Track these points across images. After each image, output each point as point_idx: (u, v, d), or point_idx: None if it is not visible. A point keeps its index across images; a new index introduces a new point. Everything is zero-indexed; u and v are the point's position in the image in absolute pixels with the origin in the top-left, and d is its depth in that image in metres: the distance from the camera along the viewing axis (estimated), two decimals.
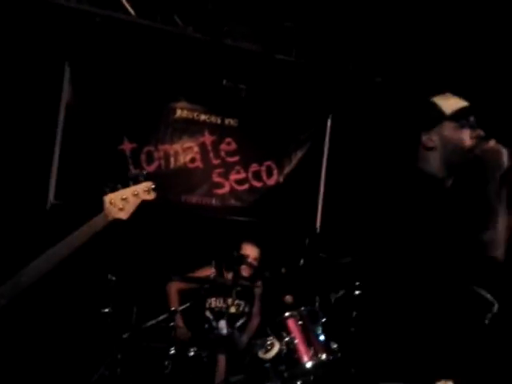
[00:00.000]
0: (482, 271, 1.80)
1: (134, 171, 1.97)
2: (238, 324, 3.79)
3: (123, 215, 1.88)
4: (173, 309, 3.23)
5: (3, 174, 4.02)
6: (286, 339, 3.00)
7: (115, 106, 4.50)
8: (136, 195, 1.91)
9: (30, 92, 4.16)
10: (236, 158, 4.92)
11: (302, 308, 3.15)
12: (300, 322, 3.08)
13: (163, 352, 3.30)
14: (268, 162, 5.01)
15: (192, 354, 3.32)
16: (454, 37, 4.41)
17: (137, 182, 1.92)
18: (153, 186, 1.94)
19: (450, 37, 4.42)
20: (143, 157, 4.61)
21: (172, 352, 3.30)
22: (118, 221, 1.89)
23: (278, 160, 5.05)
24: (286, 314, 3.11)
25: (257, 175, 4.97)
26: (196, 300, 3.57)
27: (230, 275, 3.70)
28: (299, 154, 5.12)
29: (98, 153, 4.42)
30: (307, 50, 4.82)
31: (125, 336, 3.13)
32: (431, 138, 1.86)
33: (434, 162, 1.86)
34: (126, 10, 4.26)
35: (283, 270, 3.52)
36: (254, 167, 4.96)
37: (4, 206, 3.91)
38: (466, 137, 1.80)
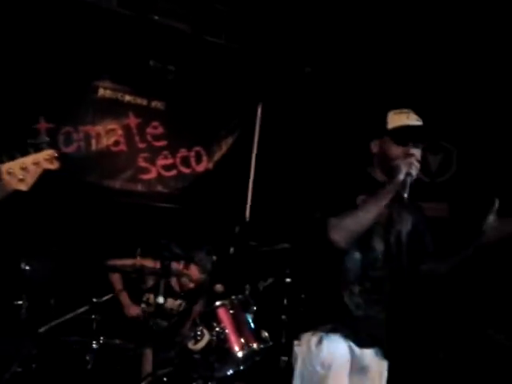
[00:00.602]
0: None
1: (37, 138, 1.78)
2: (176, 308, 3.65)
3: (23, 186, 1.71)
4: (94, 300, 3.01)
5: None
6: (217, 329, 2.92)
7: (31, 81, 4.12)
8: (37, 164, 1.73)
9: None
10: (163, 143, 4.71)
11: (233, 297, 3.07)
12: (231, 312, 3.01)
13: (84, 346, 3.08)
14: (197, 148, 4.85)
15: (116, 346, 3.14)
16: (384, 27, 4.48)
17: (37, 149, 1.74)
18: (56, 155, 1.76)
19: (379, 27, 4.49)
20: (61, 138, 4.27)
21: (94, 346, 3.09)
22: (18, 192, 1.69)
23: (207, 146, 4.90)
24: (217, 303, 3.02)
25: (185, 161, 4.80)
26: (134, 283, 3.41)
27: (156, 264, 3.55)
28: (229, 141, 5.01)
29: (9, 132, 4.03)
30: (237, 35, 4.70)
31: (41, 330, 2.87)
32: (375, 146, 2.11)
33: (376, 166, 2.12)
34: None
35: (214, 258, 3.40)
36: (182, 152, 4.78)
37: None
38: (397, 152, 2.02)
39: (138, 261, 3.32)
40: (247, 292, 3.44)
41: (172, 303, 3.65)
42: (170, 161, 4.75)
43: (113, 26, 4.25)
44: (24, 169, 1.73)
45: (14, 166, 1.71)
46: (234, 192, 4.96)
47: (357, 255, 2.01)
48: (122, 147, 4.55)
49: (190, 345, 2.88)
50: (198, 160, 4.88)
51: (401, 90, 4.58)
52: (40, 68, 4.16)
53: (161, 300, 2.93)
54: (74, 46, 4.22)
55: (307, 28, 4.67)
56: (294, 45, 4.86)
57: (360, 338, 2.01)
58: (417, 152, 2.02)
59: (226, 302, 3.02)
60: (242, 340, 2.93)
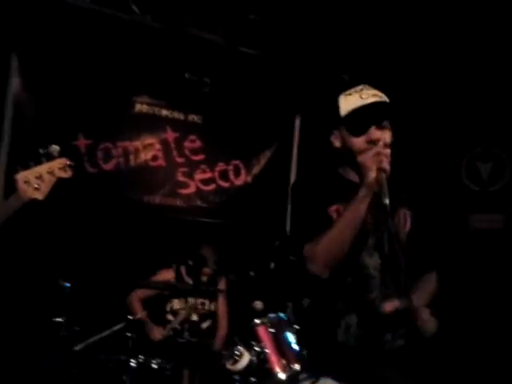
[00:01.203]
0: None
1: (49, 147, 1.76)
2: (205, 325, 3.53)
3: (39, 195, 1.69)
4: (130, 317, 2.95)
5: None
6: (257, 349, 2.77)
7: (69, 99, 4.17)
8: (51, 173, 1.70)
9: None
10: (201, 157, 4.65)
11: (273, 315, 2.92)
12: (271, 330, 2.86)
13: (122, 365, 3.01)
14: (235, 161, 4.77)
15: (155, 366, 3.04)
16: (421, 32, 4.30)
17: (50, 158, 1.70)
18: (68, 163, 1.72)
19: (417, 33, 4.31)
20: (100, 154, 4.29)
21: (133, 365, 3.01)
22: (34, 201, 1.65)
23: (245, 159, 4.81)
24: (256, 321, 2.88)
25: (224, 175, 4.72)
26: (157, 305, 3.32)
27: (190, 278, 3.49)
28: (268, 154, 4.90)
29: (43, 148, 4.06)
30: (272, 45, 4.61)
31: (78, 348, 2.82)
32: (336, 138, 1.77)
33: (346, 165, 1.78)
34: None
35: (252, 274, 3.28)
36: (220, 166, 4.71)
37: None
38: (361, 145, 1.66)
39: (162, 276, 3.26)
40: (289, 310, 3.30)
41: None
42: (208, 175, 4.69)
43: (147, 40, 4.24)
44: (39, 178, 1.73)
45: (29, 175, 1.71)
46: (274, 205, 4.83)
47: (346, 279, 1.65)
48: (161, 162, 4.53)
49: (229, 365, 2.74)
50: (237, 174, 4.79)
51: (444, 92, 4.38)
52: (78, 85, 4.20)
53: (195, 318, 2.83)
54: (111, 63, 4.25)
55: (344, 35, 4.53)
56: (331, 53, 4.72)
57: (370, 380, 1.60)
58: (383, 134, 1.64)
59: (266, 319, 2.88)
60: (284, 361, 2.77)
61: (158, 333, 3.42)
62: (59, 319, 3.09)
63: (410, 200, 1.82)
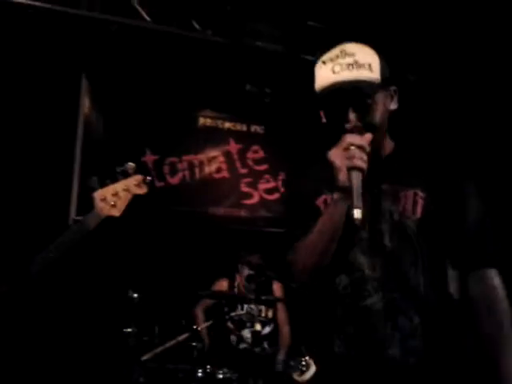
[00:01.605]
0: None
1: (125, 165, 1.80)
2: (265, 332, 3.48)
3: (116, 212, 1.71)
4: (195, 327, 2.96)
5: (24, 189, 3.88)
6: None
7: (136, 117, 4.34)
8: (127, 190, 1.73)
9: (47, 106, 4.03)
10: (264, 167, 4.65)
11: None
12: None
13: (189, 375, 3.02)
14: None
15: (221, 376, 3.02)
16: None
17: (126, 175, 1.73)
18: (144, 179, 1.75)
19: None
20: (166, 168, 4.41)
21: (199, 375, 3.01)
22: (110, 218, 1.67)
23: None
24: None
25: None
26: (217, 315, 3.33)
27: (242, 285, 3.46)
28: None
29: (119, 165, 4.23)
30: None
31: (145, 358, 2.87)
32: (322, 114, 1.49)
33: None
34: (142, 16, 4.09)
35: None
36: (283, 175, 4.68)
37: (26, 222, 3.77)
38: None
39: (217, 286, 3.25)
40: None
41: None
42: (271, 184, 4.67)
43: (208, 55, 4.32)
44: (115, 195, 1.78)
45: (105, 192, 1.76)
46: None
47: (342, 282, 1.39)
48: (225, 174, 4.57)
49: (296, 376, 2.68)
50: None
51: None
52: (143, 103, 4.36)
53: (258, 327, 2.79)
54: (174, 79, 4.37)
55: (404, 37, 4.39)
56: (395, 53, 4.58)
57: None
58: (352, 116, 1.34)
59: None
60: None
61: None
62: (129, 329, 3.16)
63: (425, 177, 1.41)
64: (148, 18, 4.11)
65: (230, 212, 4.57)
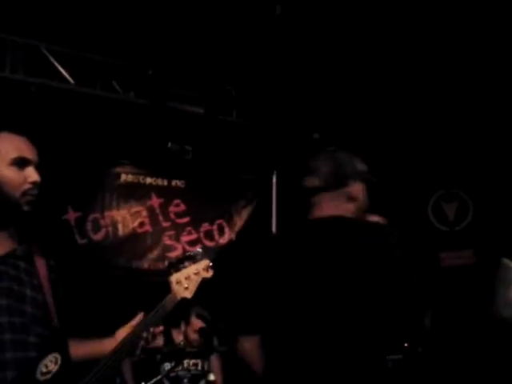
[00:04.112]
0: None
1: (191, 251, 2.08)
2: None
3: (188, 294, 1.92)
4: None
5: None
6: None
7: (57, 175, 4.33)
8: (197, 274, 1.95)
9: None
10: (186, 219, 4.87)
11: None
12: None
13: None
14: (219, 221, 5.00)
15: None
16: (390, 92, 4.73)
17: (195, 260, 1.95)
18: (211, 264, 1.98)
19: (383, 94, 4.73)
20: (89, 225, 4.45)
21: None
22: (184, 299, 1.89)
23: (228, 217, 5.06)
24: None
25: (209, 234, 4.93)
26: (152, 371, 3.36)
27: (179, 338, 3.57)
28: (249, 210, 5.16)
29: (41, 225, 4.20)
30: (247, 110, 4.96)
31: None
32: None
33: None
34: (64, 78, 4.20)
35: None
36: (205, 227, 4.93)
37: None
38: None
39: None
40: None
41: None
42: (194, 236, 4.89)
43: (131, 115, 4.51)
44: (187, 278, 1.91)
45: (180, 276, 1.90)
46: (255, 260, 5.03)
47: None
48: (148, 228, 4.71)
49: None
50: (221, 232, 5.01)
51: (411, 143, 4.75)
52: (65, 162, 4.40)
53: (212, 377, 2.93)
54: (96, 138, 4.48)
55: (312, 96, 4.93)
56: (301, 114, 5.11)
57: None
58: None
59: None
60: None
61: None
62: None
63: None
64: (71, 80, 4.23)
65: (155, 265, 4.69)
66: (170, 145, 4.67)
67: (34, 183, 1.69)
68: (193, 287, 1.91)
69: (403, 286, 1.72)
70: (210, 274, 1.95)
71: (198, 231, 4.90)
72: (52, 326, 1.60)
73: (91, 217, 4.48)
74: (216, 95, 4.66)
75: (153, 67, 4.46)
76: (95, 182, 4.56)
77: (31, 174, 1.70)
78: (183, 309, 3.68)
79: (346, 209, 1.87)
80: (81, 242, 4.41)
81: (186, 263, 1.91)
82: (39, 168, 4.28)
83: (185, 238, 4.84)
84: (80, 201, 4.45)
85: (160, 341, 3.47)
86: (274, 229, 5.26)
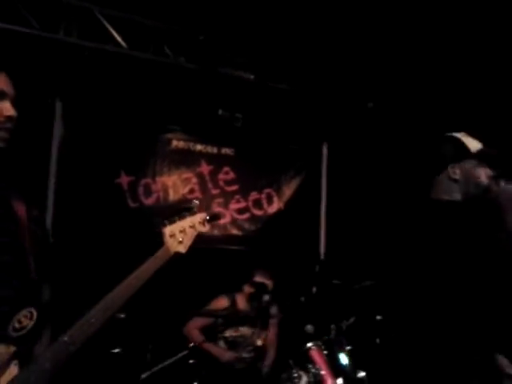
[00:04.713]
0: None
1: (192, 203, 1.87)
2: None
3: (182, 248, 1.77)
4: (191, 344, 3.05)
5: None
6: (313, 370, 2.90)
7: (110, 140, 4.40)
8: (192, 227, 1.81)
9: (21, 130, 4.00)
10: (235, 187, 4.84)
11: (326, 337, 3.05)
12: (325, 352, 2.98)
13: None
14: (268, 190, 4.95)
15: None
16: (446, 62, 4.49)
17: (192, 213, 1.82)
18: (207, 218, 1.85)
19: (442, 62, 4.50)
20: (141, 189, 4.49)
21: None
22: (177, 254, 1.75)
23: (277, 187, 5.00)
24: (310, 344, 3.01)
25: (257, 203, 4.90)
26: (210, 334, 3.39)
27: (243, 302, 3.56)
28: (298, 180, 5.09)
29: (94, 188, 4.29)
30: (299, 78, 4.84)
31: (144, 376, 2.94)
32: (455, 171, 2.05)
33: (455, 193, 2.05)
34: (117, 42, 4.20)
35: (302, 299, 3.40)
36: (253, 195, 4.89)
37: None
38: (483, 174, 2.01)
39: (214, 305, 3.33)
40: (333, 332, 3.39)
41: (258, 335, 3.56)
42: (242, 204, 4.86)
43: (182, 81, 4.48)
44: (182, 231, 1.80)
45: (174, 229, 1.78)
46: (307, 230, 4.98)
47: None
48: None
49: None
50: (269, 201, 4.97)
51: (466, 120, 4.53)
52: (118, 127, 4.44)
53: (259, 343, 2.94)
54: (148, 104, 4.48)
55: (367, 64, 4.74)
56: (355, 82, 4.94)
57: None
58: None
59: (319, 342, 3.00)
60: (340, 381, 2.89)
61: (229, 356, 3.36)
62: (116, 350, 3.21)
63: None
64: (124, 44, 4.23)
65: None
66: (220, 112, 4.62)
67: (9, 117, 1.52)
68: (188, 241, 1.78)
69: None
70: (206, 227, 1.83)
71: (246, 199, 4.87)
72: (29, 278, 1.46)
73: (143, 181, 4.52)
74: (268, 61, 4.55)
75: (204, 32, 4.39)
76: (147, 148, 4.58)
77: (7, 108, 1.53)
78: (247, 272, 3.67)
79: None
80: (132, 205, 4.46)
81: (182, 215, 1.79)
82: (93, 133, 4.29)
83: (233, 206, 4.83)
84: (133, 165, 4.49)
85: (224, 303, 3.49)
86: (323, 201, 5.18)
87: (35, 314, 1.40)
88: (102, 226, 4.29)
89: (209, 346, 3.37)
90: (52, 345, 1.43)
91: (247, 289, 3.54)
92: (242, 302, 3.55)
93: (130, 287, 1.65)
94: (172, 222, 1.77)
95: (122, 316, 3.26)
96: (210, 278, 4.18)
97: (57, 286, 1.61)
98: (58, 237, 4.18)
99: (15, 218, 1.48)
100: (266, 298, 3.36)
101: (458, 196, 2.03)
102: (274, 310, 3.49)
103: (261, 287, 3.32)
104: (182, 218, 1.80)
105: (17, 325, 1.37)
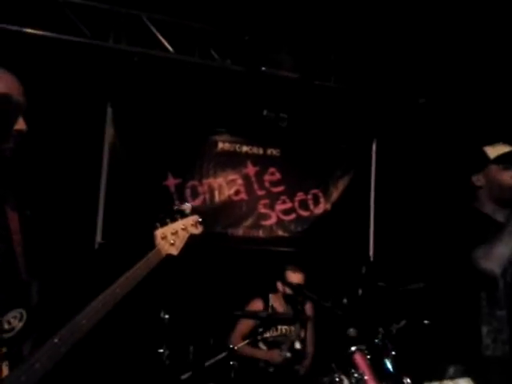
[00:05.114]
0: None
1: (179, 205, 1.87)
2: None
3: (174, 250, 1.77)
4: (231, 346, 3.06)
5: (52, 216, 4.01)
6: (355, 375, 2.82)
7: (158, 142, 4.50)
8: (184, 229, 1.81)
9: (73, 134, 4.19)
10: (281, 188, 4.82)
11: (371, 341, 2.96)
12: (368, 357, 2.90)
13: None
14: (314, 190, 4.89)
15: None
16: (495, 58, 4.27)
17: (183, 215, 1.82)
18: (200, 220, 1.84)
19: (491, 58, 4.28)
20: (188, 192, 4.56)
21: None
22: (169, 256, 1.76)
23: (324, 187, 4.93)
24: (353, 348, 2.93)
25: (303, 204, 4.85)
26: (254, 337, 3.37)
27: (276, 302, 3.52)
28: (345, 180, 4.99)
29: (142, 190, 4.39)
30: (346, 75, 4.75)
31: (184, 377, 2.98)
32: (479, 179, 2.13)
33: (483, 199, 2.12)
34: (164, 46, 4.29)
35: (345, 301, 3.33)
36: (299, 196, 4.85)
37: (54, 248, 3.88)
38: (507, 177, 2.07)
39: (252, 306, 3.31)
40: (380, 335, 3.29)
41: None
42: (288, 205, 4.83)
43: (227, 82, 4.51)
44: (174, 234, 1.80)
45: (166, 231, 1.78)
46: (355, 231, 4.88)
47: (482, 295, 1.95)
48: (243, 196, 4.73)
49: None
50: (316, 202, 4.90)
51: None
52: (165, 130, 4.53)
53: (298, 346, 2.90)
54: (194, 106, 4.55)
55: (418, 58, 4.58)
56: (405, 77, 4.78)
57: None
58: None
59: (363, 346, 2.92)
60: None
61: (276, 356, 3.32)
62: (161, 350, 3.27)
63: None
64: (170, 48, 4.31)
65: (249, 233, 4.72)
66: (265, 112, 4.62)
67: (19, 131, 1.49)
68: (180, 243, 1.77)
69: None
70: (198, 230, 1.81)
71: (292, 200, 4.83)
72: (19, 279, 1.45)
73: (190, 183, 4.59)
74: (312, 60, 4.50)
75: (249, 33, 4.40)
76: (194, 150, 4.64)
77: (20, 122, 1.51)
78: (279, 270, 3.66)
79: None
80: None
81: (173, 218, 1.77)
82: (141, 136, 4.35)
83: (279, 207, 4.80)
84: (180, 168, 4.57)
85: (260, 305, 3.49)
86: (372, 200, 5.05)
87: (25, 315, 1.40)
88: (150, 228, 4.38)
89: (255, 352, 3.36)
90: (43, 346, 1.42)
91: (281, 287, 3.53)
92: (277, 302, 3.52)
93: (120, 289, 1.64)
94: (164, 224, 1.77)
95: (167, 317, 3.32)
96: (254, 280, 4.17)
97: (47, 287, 1.63)
98: (107, 238, 4.33)
99: (6, 223, 1.49)
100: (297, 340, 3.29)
101: (485, 201, 2.10)
102: (308, 309, 3.45)
103: (297, 289, 3.28)
104: (173, 220, 1.80)
105: (6, 326, 1.37)
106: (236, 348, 3.05)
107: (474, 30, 4.07)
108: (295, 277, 3.57)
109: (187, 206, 1.87)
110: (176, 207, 1.88)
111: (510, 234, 1.89)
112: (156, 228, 1.78)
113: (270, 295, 3.63)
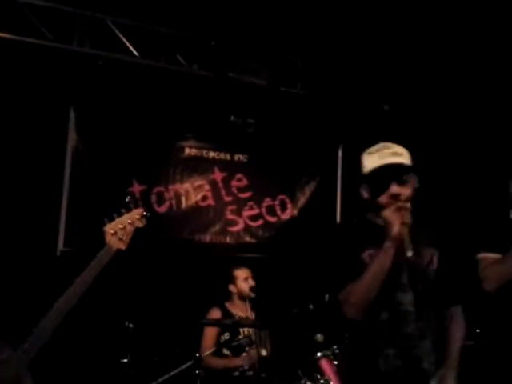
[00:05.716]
0: None
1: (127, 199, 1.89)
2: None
3: (122, 245, 1.80)
4: (197, 355, 3.01)
5: (12, 222, 3.89)
6: (321, 381, 2.83)
7: (123, 148, 4.41)
8: (131, 223, 1.82)
9: (35, 139, 4.08)
10: (248, 194, 4.81)
11: (335, 347, 2.97)
12: (334, 362, 2.91)
13: None
14: (281, 196, 4.90)
15: None
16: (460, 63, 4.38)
17: (128, 208, 1.83)
18: (144, 213, 1.85)
19: (455, 63, 4.39)
20: (153, 198, 4.50)
21: None
22: (118, 251, 1.77)
23: (291, 193, 4.95)
24: (319, 354, 2.93)
25: (271, 210, 4.85)
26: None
27: (234, 309, 3.53)
28: (312, 186, 5.03)
29: (107, 197, 4.30)
30: (312, 82, 4.79)
31: None
32: (363, 191, 1.92)
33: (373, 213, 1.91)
34: (129, 51, 4.23)
35: (311, 307, 3.34)
36: (267, 202, 4.85)
37: (14, 255, 3.77)
38: (382, 198, 1.82)
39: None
40: (347, 341, 3.31)
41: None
42: (255, 211, 4.82)
43: (193, 88, 4.48)
44: (122, 228, 1.82)
45: (115, 226, 1.80)
46: (322, 237, 4.90)
47: (383, 315, 1.80)
48: (210, 202, 4.70)
49: None
50: (283, 208, 4.92)
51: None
52: (130, 135, 4.46)
53: (264, 353, 2.88)
54: (159, 111, 4.50)
55: (381, 66, 4.66)
56: (370, 84, 4.86)
57: None
58: (403, 190, 1.79)
59: (328, 352, 2.93)
60: None
61: (237, 361, 3.25)
62: (125, 360, 3.20)
63: (436, 241, 1.95)
64: (136, 53, 4.26)
65: (217, 239, 4.69)
66: (232, 118, 4.61)
67: None
68: (127, 238, 1.82)
69: None
70: (143, 223, 1.83)
71: (259, 206, 4.83)
72: None
73: (155, 190, 4.52)
74: (280, 66, 4.52)
75: (216, 39, 4.39)
76: (160, 156, 4.58)
77: None
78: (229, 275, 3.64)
79: None
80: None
81: (119, 213, 1.78)
82: (105, 142, 4.30)
83: (246, 213, 4.79)
84: (145, 174, 4.49)
85: (218, 314, 3.47)
86: (338, 205, 5.10)
87: None
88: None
89: (223, 362, 3.29)
90: (15, 352, 1.46)
91: (234, 289, 3.53)
92: (237, 308, 3.50)
93: (80, 288, 1.67)
94: (111, 219, 1.79)
95: (131, 326, 3.26)
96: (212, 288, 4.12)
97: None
98: (70, 246, 4.22)
99: None
100: None
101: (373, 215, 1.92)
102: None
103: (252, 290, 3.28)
104: (119, 215, 1.82)
105: None
106: (202, 356, 3.00)
107: (438, 36, 4.17)
108: (242, 273, 3.57)
109: (129, 199, 1.89)
110: (123, 202, 1.89)
111: (371, 275, 1.72)
112: (104, 224, 1.81)
113: (226, 303, 3.59)
